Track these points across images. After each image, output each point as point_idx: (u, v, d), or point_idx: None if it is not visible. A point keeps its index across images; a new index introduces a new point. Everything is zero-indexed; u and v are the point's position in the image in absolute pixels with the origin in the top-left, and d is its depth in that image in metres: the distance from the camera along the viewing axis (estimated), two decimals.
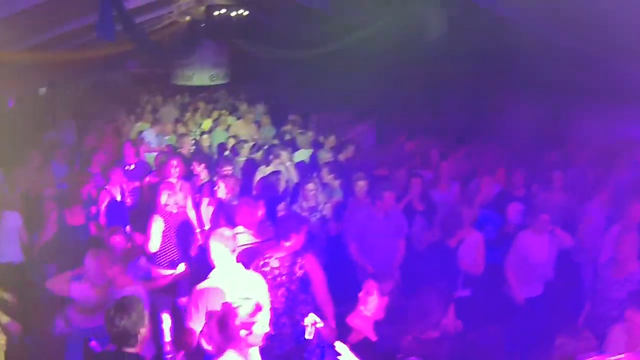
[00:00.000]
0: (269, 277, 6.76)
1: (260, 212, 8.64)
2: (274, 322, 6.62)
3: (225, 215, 9.11)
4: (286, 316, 6.83)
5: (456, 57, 14.67)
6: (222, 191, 9.70)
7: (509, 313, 8.97)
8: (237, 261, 6.45)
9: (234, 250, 6.40)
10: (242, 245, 7.81)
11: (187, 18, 24.55)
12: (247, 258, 7.04)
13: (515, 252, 8.87)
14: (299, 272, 6.83)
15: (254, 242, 8.13)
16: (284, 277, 6.80)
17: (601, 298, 7.46)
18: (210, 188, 10.46)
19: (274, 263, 6.87)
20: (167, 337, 5.77)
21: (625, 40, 10.27)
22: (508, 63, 13.94)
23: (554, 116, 15.92)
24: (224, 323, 4.99)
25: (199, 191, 10.99)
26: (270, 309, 6.51)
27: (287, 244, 6.93)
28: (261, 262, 6.88)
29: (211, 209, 9.94)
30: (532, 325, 8.77)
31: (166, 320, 5.81)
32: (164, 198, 9.15)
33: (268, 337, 6.44)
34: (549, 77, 13.92)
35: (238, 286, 6.11)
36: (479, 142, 14.97)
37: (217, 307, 5.38)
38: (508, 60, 13.63)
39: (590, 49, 11.51)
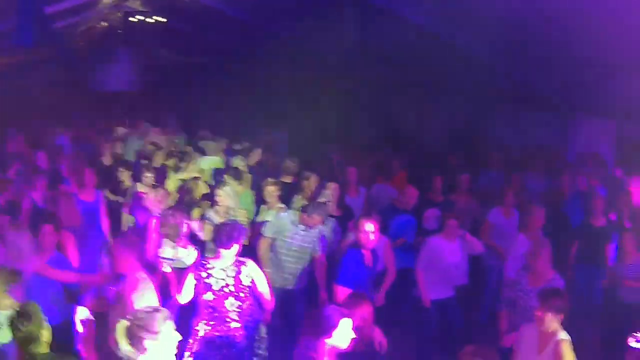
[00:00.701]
0: (214, 288, 6.68)
1: (185, 225, 8.56)
2: (225, 331, 6.68)
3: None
4: (236, 323, 6.77)
5: (370, 66, 14.82)
6: (148, 201, 9.62)
7: (420, 315, 9.04)
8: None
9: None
10: (169, 258, 7.79)
11: (105, 24, 24.23)
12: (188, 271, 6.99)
13: (425, 256, 8.93)
14: (245, 280, 6.78)
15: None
16: (231, 287, 6.72)
17: (520, 307, 7.41)
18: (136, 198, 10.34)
19: (219, 274, 6.76)
20: (79, 328, 5.84)
21: (536, 50, 10.54)
22: (422, 71, 14.15)
23: (467, 123, 16.23)
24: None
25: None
26: (222, 317, 6.64)
27: (228, 252, 6.83)
28: (204, 274, 6.74)
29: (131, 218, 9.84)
30: (443, 328, 8.94)
31: (80, 312, 5.87)
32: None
33: (222, 345, 6.66)
34: (462, 85, 14.19)
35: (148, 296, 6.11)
36: (392, 149, 15.09)
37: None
38: (422, 68, 13.84)
39: (503, 58, 11.78)
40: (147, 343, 4.73)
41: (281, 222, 8.71)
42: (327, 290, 8.35)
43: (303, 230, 8.59)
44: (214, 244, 7.12)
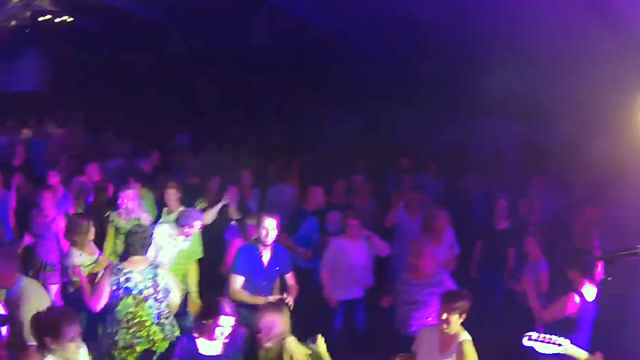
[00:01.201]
0: (134, 292, 6.66)
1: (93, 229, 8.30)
2: (146, 335, 6.69)
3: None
4: (155, 325, 6.77)
5: (275, 69, 14.79)
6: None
7: (329, 316, 9.03)
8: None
9: None
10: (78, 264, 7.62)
11: (13, 22, 23.70)
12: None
13: (329, 257, 8.91)
14: (162, 282, 6.82)
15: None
16: (149, 289, 6.72)
17: (405, 301, 7.54)
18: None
19: (137, 277, 6.73)
20: None
21: (440, 50, 10.60)
22: (330, 75, 14.17)
23: (374, 126, 16.32)
24: None
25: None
26: (142, 322, 6.67)
27: (143, 257, 6.87)
28: (122, 279, 6.68)
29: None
30: (351, 328, 9.04)
31: None
32: None
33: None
34: (369, 88, 14.24)
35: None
36: (297, 152, 15.05)
37: None
38: (329, 72, 13.86)
39: (407, 60, 11.84)
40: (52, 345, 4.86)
41: (157, 237, 8.45)
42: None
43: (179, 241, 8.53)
44: (128, 250, 7.04)
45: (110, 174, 12.37)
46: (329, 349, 8.21)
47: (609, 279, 4.41)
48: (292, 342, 5.65)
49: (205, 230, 9.23)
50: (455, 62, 11.30)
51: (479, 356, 6.07)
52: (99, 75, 23.64)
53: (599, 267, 7.96)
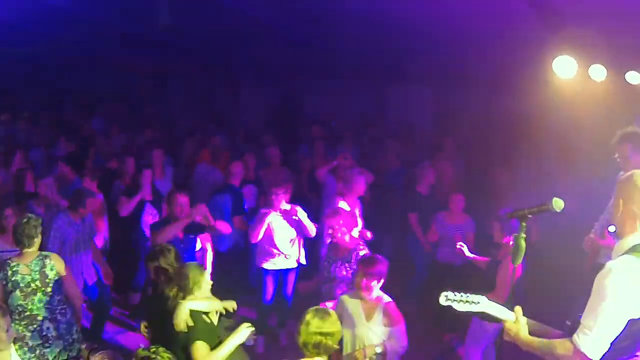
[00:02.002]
0: (21, 285, 6.61)
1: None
2: (39, 329, 6.65)
3: None
4: (49, 321, 6.72)
5: (184, 48, 14.72)
6: None
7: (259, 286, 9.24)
8: None
9: None
10: None
11: None
12: None
13: (256, 228, 8.80)
14: (50, 273, 6.72)
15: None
16: (37, 282, 6.65)
17: (326, 279, 7.54)
18: None
19: (23, 270, 6.67)
20: None
21: (348, 20, 10.65)
22: (236, 52, 14.16)
23: (285, 99, 16.41)
24: None
25: None
26: (33, 315, 6.61)
27: (30, 249, 6.74)
28: (10, 273, 6.63)
29: None
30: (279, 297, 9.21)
31: None
32: None
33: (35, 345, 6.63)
34: (278, 62, 14.30)
35: None
36: (206, 130, 15.12)
37: None
38: (236, 48, 13.85)
39: (314, 30, 11.90)
40: None
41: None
42: None
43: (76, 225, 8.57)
44: (16, 244, 6.90)
45: (30, 162, 12.17)
46: (258, 319, 8.45)
47: (523, 235, 4.49)
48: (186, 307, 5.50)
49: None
50: (365, 32, 11.35)
51: (406, 318, 6.25)
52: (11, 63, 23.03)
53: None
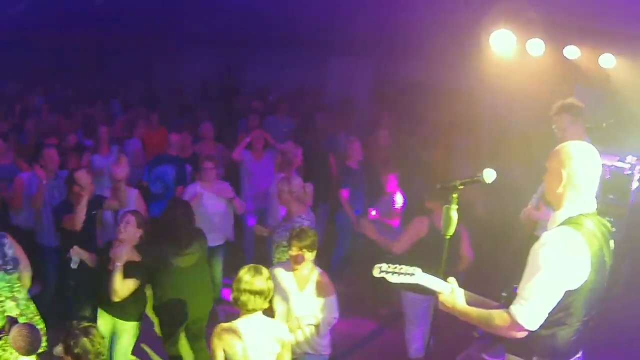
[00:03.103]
0: None
1: None
2: (2, 310, 6.45)
3: None
4: (10, 300, 6.55)
5: (122, 20, 14.45)
6: None
7: None
8: None
9: None
10: None
11: None
12: None
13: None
14: (9, 252, 6.57)
15: None
16: None
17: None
18: None
19: None
20: None
21: None
22: (173, 24, 13.97)
23: (223, 72, 16.28)
24: None
25: None
26: None
27: None
28: None
29: None
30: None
31: None
32: None
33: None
34: (215, 34, 14.14)
35: None
36: (150, 105, 14.81)
37: None
38: (174, 20, 13.66)
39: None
40: None
41: None
42: None
43: None
44: None
45: None
46: None
47: (454, 206, 4.39)
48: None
49: None
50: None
51: (344, 290, 6.38)
52: None
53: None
